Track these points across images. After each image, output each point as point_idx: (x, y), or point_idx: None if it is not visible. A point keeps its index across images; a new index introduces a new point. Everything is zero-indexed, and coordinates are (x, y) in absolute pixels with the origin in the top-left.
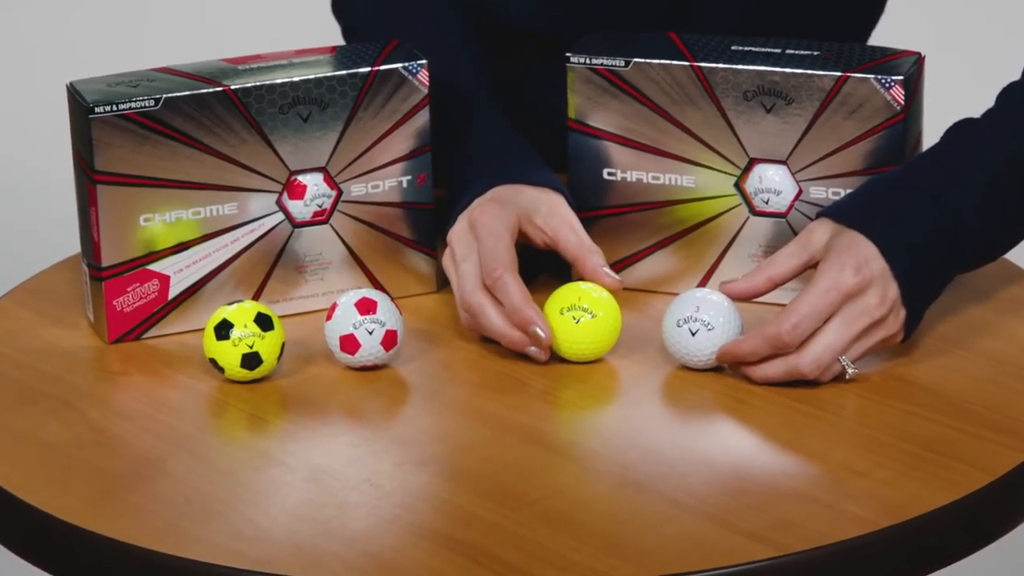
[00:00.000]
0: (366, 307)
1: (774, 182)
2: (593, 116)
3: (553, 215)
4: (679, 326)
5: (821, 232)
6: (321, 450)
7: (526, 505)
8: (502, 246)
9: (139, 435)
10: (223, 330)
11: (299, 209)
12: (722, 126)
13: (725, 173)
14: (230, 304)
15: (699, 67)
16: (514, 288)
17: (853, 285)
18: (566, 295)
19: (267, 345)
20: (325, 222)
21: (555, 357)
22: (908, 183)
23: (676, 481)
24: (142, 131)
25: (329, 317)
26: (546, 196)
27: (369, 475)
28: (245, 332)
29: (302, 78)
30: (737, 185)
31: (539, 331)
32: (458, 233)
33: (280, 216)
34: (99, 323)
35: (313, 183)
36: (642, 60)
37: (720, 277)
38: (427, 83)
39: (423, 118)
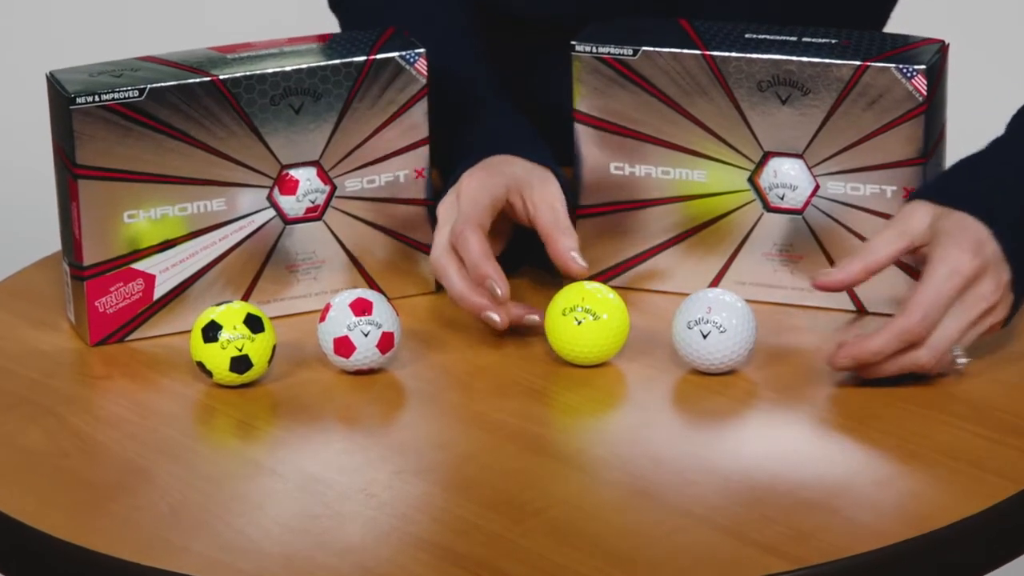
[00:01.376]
0: (361, 308)
1: (790, 177)
2: (599, 107)
3: (540, 190)
4: (690, 328)
5: (921, 215)
6: (314, 458)
7: (529, 516)
8: (477, 208)
9: (123, 442)
10: (211, 332)
11: (291, 205)
12: (735, 118)
13: (738, 167)
14: (219, 305)
15: (711, 56)
16: (474, 243)
17: (974, 269)
18: (569, 296)
19: (257, 348)
20: (318, 219)
21: (560, 360)
22: (1001, 159)
23: (687, 490)
24: (126, 123)
25: (323, 318)
26: (539, 171)
27: (364, 484)
28: (234, 334)
29: (294, 67)
30: (751, 180)
31: (496, 287)
32: (444, 202)
33: (271, 212)
34: (81, 325)
35: (306, 178)
36: (651, 49)
37: (733, 277)
38: (425, 73)
39: (421, 109)
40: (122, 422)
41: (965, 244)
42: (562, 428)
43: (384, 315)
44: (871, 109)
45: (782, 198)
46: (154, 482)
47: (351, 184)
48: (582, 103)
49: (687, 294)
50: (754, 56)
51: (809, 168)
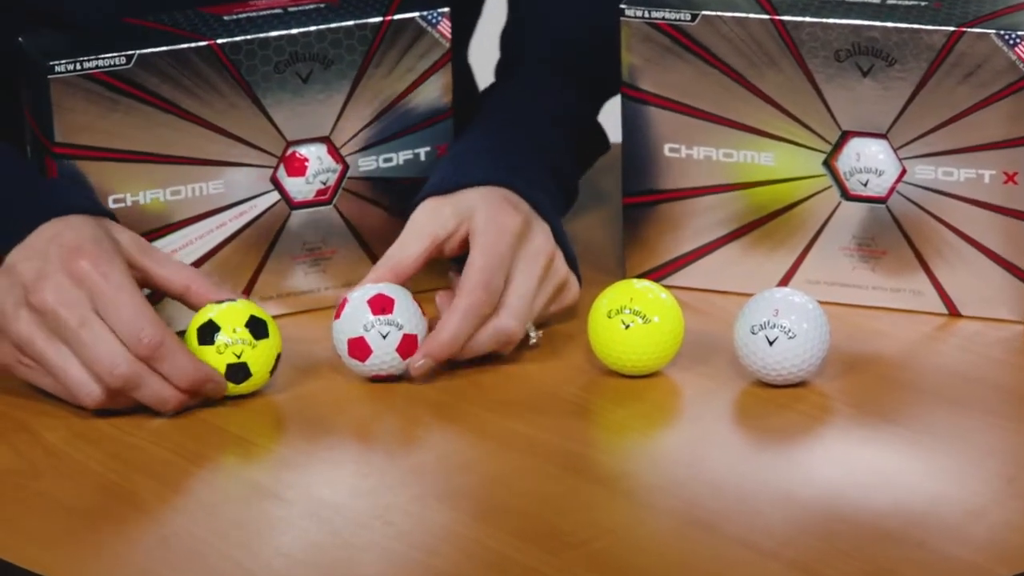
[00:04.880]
0: (380, 306)
1: (874, 160)
2: (652, 80)
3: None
4: (754, 333)
5: (433, 211)
6: (323, 480)
7: (570, 548)
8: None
9: (106, 462)
10: (208, 333)
11: (298, 187)
12: (809, 93)
13: (812, 149)
14: (219, 302)
15: (781, 21)
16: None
17: (518, 224)
18: (615, 295)
19: (258, 356)
20: (328, 203)
21: (604, 370)
22: (485, 137)
23: (751, 520)
24: (111, 94)
25: (337, 315)
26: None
27: (381, 511)
28: (233, 338)
29: (301, 31)
30: (827, 164)
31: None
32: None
33: (275, 196)
34: None
35: (315, 156)
36: (712, 13)
37: (804, 275)
38: (448, 35)
39: (444, 77)
40: (104, 439)
41: (499, 205)
42: (607, 448)
43: (406, 315)
44: (967, 82)
45: (864, 184)
46: (141, 508)
47: (365, 163)
48: (632, 75)
49: (751, 294)
50: (831, 21)
51: (894, 150)
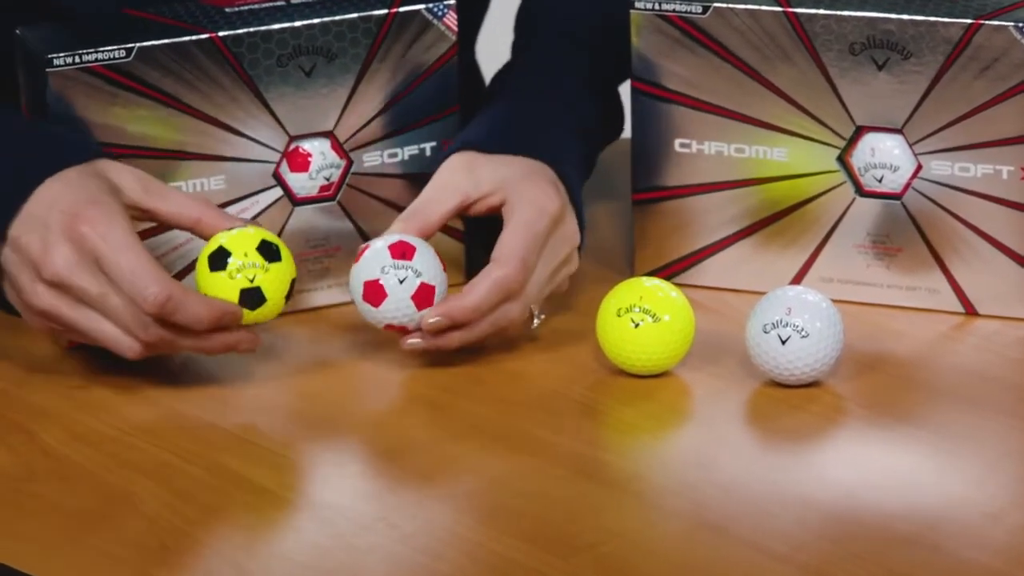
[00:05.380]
0: (400, 251)
1: (889, 155)
2: (662, 74)
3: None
4: (766, 332)
5: (469, 166)
6: (326, 481)
7: (577, 551)
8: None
9: (104, 463)
10: (219, 259)
11: (301, 183)
12: (823, 87)
13: (826, 144)
14: (230, 229)
15: (794, 14)
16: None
17: (559, 207)
18: (624, 293)
19: (272, 280)
20: (332, 199)
21: (613, 369)
22: (539, 103)
23: (762, 523)
24: (110, 88)
25: (356, 259)
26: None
27: (385, 513)
28: (245, 262)
29: (304, 23)
30: (841, 159)
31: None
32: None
33: (277, 192)
34: None
35: (318, 151)
36: (723, 5)
37: (817, 272)
38: (455, 28)
39: (450, 71)
40: (102, 440)
41: (542, 184)
42: (615, 449)
43: (426, 264)
44: (984, 76)
45: (879, 180)
46: (140, 510)
47: (370, 158)
48: (641, 68)
49: (763, 292)
50: (845, 14)
51: (910, 145)
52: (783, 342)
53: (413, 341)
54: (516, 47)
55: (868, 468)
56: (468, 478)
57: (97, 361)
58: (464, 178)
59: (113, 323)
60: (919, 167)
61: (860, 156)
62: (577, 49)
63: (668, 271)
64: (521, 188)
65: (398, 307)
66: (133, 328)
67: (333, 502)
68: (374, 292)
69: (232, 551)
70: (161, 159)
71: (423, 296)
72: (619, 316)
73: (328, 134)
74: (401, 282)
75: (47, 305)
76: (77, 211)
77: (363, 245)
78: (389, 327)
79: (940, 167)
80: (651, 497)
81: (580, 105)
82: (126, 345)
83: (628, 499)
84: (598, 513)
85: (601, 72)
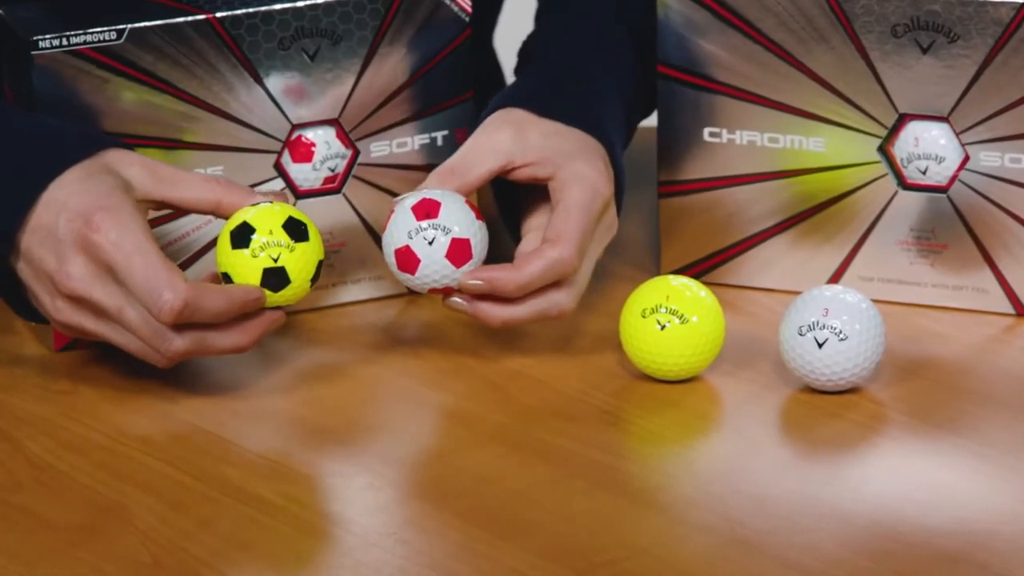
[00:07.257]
0: (425, 210)
1: (934, 145)
2: (690, 57)
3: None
4: (802, 335)
5: (518, 126)
6: (330, 494)
7: (599, 568)
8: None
9: (94, 474)
10: (242, 236)
11: (305, 174)
12: (863, 71)
13: (866, 134)
14: (255, 204)
15: None
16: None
17: (610, 191)
18: (650, 293)
19: (298, 260)
20: (337, 191)
21: (638, 374)
22: (588, 74)
23: (797, 539)
24: (100, 72)
25: (384, 228)
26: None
27: (394, 527)
28: (270, 239)
29: (308, 3)
30: (882, 149)
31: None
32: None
33: (280, 183)
34: (42, 326)
35: (322, 141)
36: None
37: (857, 271)
38: (469, 8)
39: (463, 55)
40: (92, 448)
41: (598, 164)
42: (640, 459)
43: (454, 217)
44: None
45: (924, 172)
46: (131, 523)
47: (377, 148)
48: (667, 52)
49: (799, 292)
50: None
51: (956, 134)
52: (820, 345)
53: (455, 300)
54: (539, 16)
55: (910, 481)
56: (482, 490)
57: (85, 363)
58: (510, 139)
59: (135, 335)
60: (966, 158)
61: (903, 146)
62: (617, 20)
63: (696, 269)
64: (575, 166)
65: (434, 270)
66: (153, 342)
67: (338, 516)
68: (407, 259)
69: (228, 567)
70: (154, 148)
71: (458, 252)
72: (644, 317)
73: (333, 122)
74: (431, 243)
75: (70, 320)
76: (87, 217)
77: (392, 203)
78: (433, 291)
79: (989, 158)
80: (677, 511)
81: (624, 79)
82: (152, 358)
83: (653, 513)
84: (620, 527)
85: (643, 45)
